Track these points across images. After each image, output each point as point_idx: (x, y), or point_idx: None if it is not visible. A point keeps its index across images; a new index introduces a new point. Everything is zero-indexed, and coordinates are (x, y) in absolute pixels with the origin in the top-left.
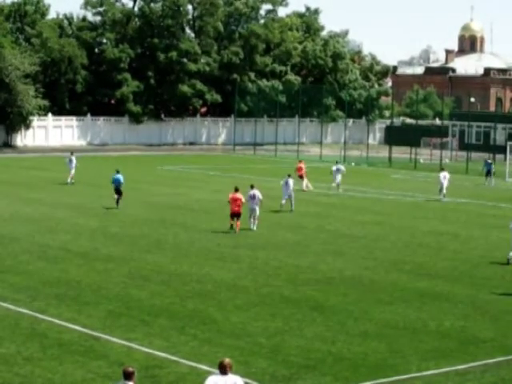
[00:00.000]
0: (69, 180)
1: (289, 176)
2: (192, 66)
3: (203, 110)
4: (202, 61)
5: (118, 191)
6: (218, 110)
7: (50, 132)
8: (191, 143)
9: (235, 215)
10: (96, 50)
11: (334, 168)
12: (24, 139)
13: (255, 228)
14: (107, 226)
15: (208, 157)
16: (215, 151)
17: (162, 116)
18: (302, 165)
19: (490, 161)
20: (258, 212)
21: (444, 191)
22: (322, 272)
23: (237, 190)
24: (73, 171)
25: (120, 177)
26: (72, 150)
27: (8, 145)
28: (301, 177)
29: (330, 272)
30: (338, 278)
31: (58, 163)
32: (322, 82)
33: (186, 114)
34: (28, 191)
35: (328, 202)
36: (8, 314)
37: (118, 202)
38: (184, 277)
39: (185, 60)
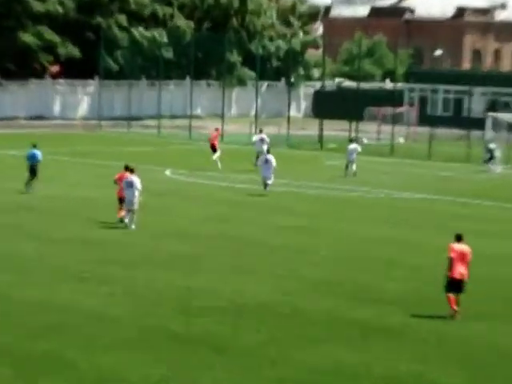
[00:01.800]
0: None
1: (268, 152)
2: (38, 6)
3: (55, 69)
4: None
5: (33, 171)
6: (76, 70)
7: None
8: (38, 117)
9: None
10: None
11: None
12: None
13: (133, 227)
14: None
15: (62, 136)
16: (73, 128)
17: None
18: (217, 134)
19: (492, 145)
20: (136, 205)
21: (353, 169)
22: (226, 297)
23: (130, 169)
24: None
25: (37, 152)
26: None
27: None
28: (213, 148)
29: (237, 297)
30: (248, 306)
31: None
32: (223, 30)
33: (29, 75)
34: None
35: (234, 198)
36: None
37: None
38: (32, 306)
39: None
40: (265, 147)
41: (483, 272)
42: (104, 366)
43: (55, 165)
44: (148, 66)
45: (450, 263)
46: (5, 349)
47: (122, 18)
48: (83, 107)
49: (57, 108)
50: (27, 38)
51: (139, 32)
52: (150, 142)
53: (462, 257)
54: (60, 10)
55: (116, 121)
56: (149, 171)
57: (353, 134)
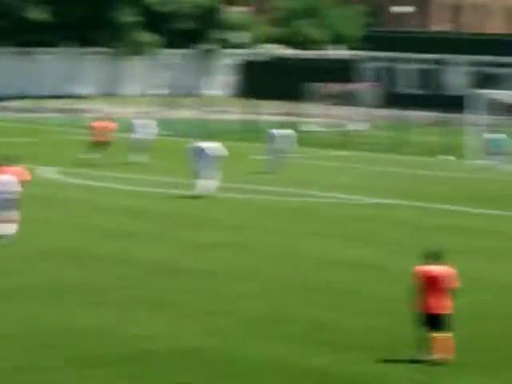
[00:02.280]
0: None
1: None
2: None
3: None
4: None
5: None
6: None
7: None
8: None
9: None
10: None
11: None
12: None
13: None
14: None
15: None
16: None
17: None
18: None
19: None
20: None
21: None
22: (133, 341)
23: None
24: None
25: None
26: None
27: None
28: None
29: (146, 341)
30: (162, 353)
31: None
32: None
33: None
34: None
35: (137, 206)
36: None
37: None
38: None
39: None
40: None
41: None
42: None
43: None
44: (14, 31)
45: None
46: None
47: None
48: None
49: None
50: None
51: None
52: (18, 130)
53: (436, 282)
54: None
55: None
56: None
57: (293, 119)
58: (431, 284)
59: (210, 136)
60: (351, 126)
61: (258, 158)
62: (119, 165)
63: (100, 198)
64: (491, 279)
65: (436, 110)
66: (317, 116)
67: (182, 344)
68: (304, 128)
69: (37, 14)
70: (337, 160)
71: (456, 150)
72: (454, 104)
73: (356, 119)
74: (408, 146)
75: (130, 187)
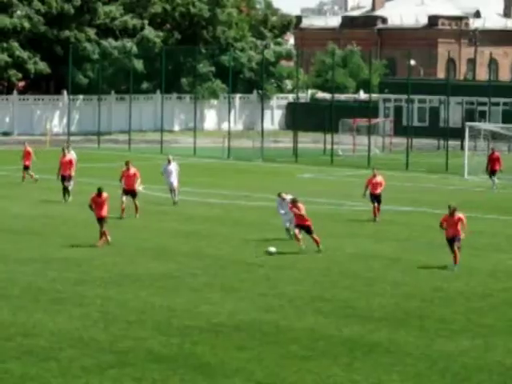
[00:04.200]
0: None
1: (169, 162)
2: (4, 21)
3: (22, 84)
4: (20, 12)
5: None
6: (45, 85)
7: None
8: (5, 133)
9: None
10: None
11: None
12: None
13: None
14: None
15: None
16: (40, 144)
17: None
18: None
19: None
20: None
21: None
22: (206, 316)
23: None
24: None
25: None
26: None
27: None
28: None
29: (216, 316)
30: (228, 325)
31: None
32: (194, 41)
33: None
34: None
35: (209, 214)
36: None
37: None
38: (4, 329)
39: None
40: None
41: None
42: None
43: (21, 182)
44: (118, 80)
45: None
46: None
47: (91, 31)
48: (51, 123)
49: (24, 123)
50: None
51: (109, 43)
52: (121, 157)
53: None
54: (27, 24)
55: (85, 136)
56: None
57: (328, 146)
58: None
59: (267, 160)
60: (373, 151)
61: (305, 176)
62: (193, 182)
63: (183, 208)
64: None
65: (437, 139)
66: (346, 144)
67: (244, 318)
68: (337, 153)
69: (136, 65)
70: (359, 177)
71: (456, 169)
72: (455, 133)
73: (375, 145)
74: (417, 165)
75: (207, 200)
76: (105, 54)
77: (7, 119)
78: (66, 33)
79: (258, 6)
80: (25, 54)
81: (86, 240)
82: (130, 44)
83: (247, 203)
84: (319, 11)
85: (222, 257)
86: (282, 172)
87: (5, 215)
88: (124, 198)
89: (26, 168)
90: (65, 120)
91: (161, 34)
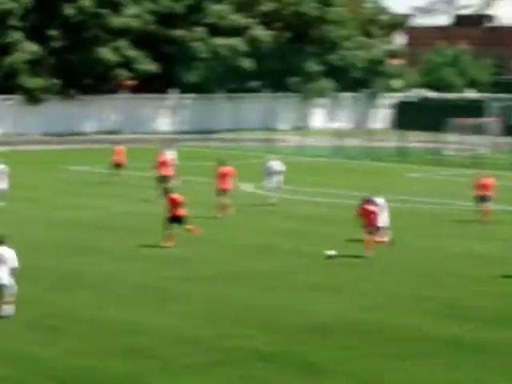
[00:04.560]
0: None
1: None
2: (115, 21)
3: (131, 83)
4: (130, 12)
5: None
6: (154, 84)
7: None
8: (113, 132)
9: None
10: None
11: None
12: None
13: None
14: None
15: (138, 151)
16: (149, 143)
17: (72, 93)
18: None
19: None
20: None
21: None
22: (310, 315)
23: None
24: (3, 184)
25: None
26: None
27: None
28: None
29: (321, 315)
30: (333, 324)
31: None
32: (303, 40)
33: (106, 90)
34: None
35: (315, 213)
36: None
37: None
38: (111, 326)
39: (104, 11)
40: None
41: None
42: None
43: (128, 181)
44: (226, 79)
45: None
46: (84, 371)
47: (200, 30)
48: (160, 122)
49: (132, 122)
50: (104, 53)
51: (218, 41)
52: (229, 155)
53: None
54: (137, 23)
55: (194, 134)
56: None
57: (436, 146)
58: None
59: (374, 159)
60: (479, 151)
61: (412, 175)
62: (300, 181)
63: (289, 207)
64: None
65: None
66: (453, 143)
67: (348, 317)
68: (444, 153)
69: (245, 64)
70: (466, 177)
71: None
72: None
73: (483, 145)
74: None
75: (314, 199)
76: (214, 52)
77: (117, 118)
78: (176, 32)
79: (366, 5)
80: (134, 54)
81: (191, 238)
82: (238, 43)
83: (354, 202)
84: (428, 10)
85: (324, 255)
86: (389, 171)
87: (109, 213)
88: (220, 197)
89: (118, 167)
90: (173, 119)
91: (270, 33)
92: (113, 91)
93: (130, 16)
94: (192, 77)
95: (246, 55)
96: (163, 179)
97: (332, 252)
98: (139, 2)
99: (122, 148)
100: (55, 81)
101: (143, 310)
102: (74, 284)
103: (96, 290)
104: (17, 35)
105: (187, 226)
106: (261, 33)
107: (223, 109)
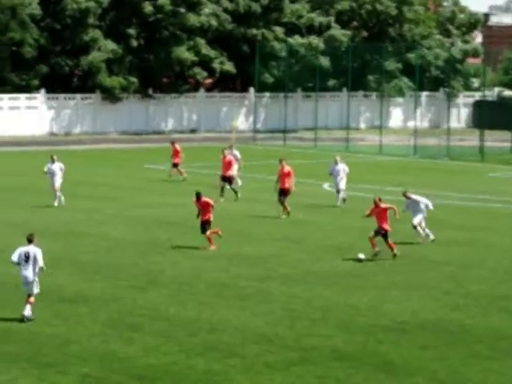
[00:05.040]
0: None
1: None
2: (192, 20)
3: (208, 82)
4: (207, 10)
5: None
6: (231, 82)
7: None
8: (192, 130)
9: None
10: None
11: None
12: None
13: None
14: (75, 252)
15: (216, 150)
16: (227, 142)
17: (150, 92)
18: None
19: None
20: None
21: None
22: (390, 315)
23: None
24: (57, 182)
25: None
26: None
27: None
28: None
29: (401, 314)
30: (413, 324)
31: None
32: (381, 39)
33: (184, 89)
34: None
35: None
36: None
37: None
38: (190, 324)
39: (182, 10)
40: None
41: None
42: None
43: (208, 180)
44: (304, 78)
45: None
46: (164, 369)
47: (278, 29)
48: (237, 120)
49: (210, 121)
50: (182, 52)
51: (295, 41)
52: (307, 154)
53: None
54: (215, 22)
55: (271, 133)
56: (305, 185)
57: None
58: None
59: (453, 158)
60: None
61: (494, 175)
62: (378, 180)
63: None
64: None
65: None
66: None
67: (428, 317)
68: None
69: (322, 62)
70: None
71: None
72: None
73: None
74: None
75: (392, 197)
76: (291, 51)
77: (194, 117)
78: (253, 31)
79: (445, 4)
80: (211, 53)
81: (266, 237)
82: (316, 41)
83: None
84: (507, 9)
85: (406, 255)
86: (468, 170)
87: (187, 211)
88: (281, 197)
89: (175, 166)
90: (251, 118)
91: (348, 32)
92: (189, 90)
93: (207, 15)
94: (269, 76)
95: (323, 54)
96: (227, 179)
97: (362, 256)
98: (217, 1)
99: (177, 147)
100: (133, 79)
101: (222, 308)
102: (154, 282)
103: (175, 287)
104: (95, 34)
105: (210, 231)
106: (338, 32)
107: (300, 108)
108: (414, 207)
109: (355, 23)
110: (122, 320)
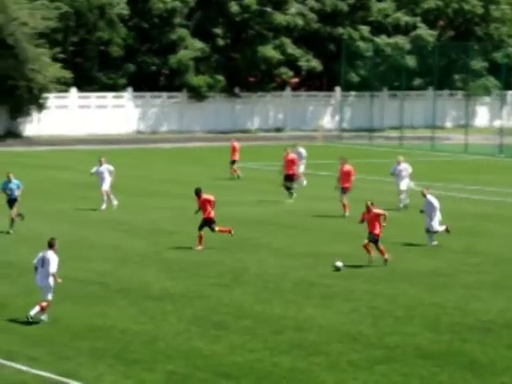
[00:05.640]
0: (104, 198)
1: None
2: (278, 18)
3: (295, 80)
4: (293, 10)
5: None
6: (316, 81)
7: (74, 115)
8: (278, 129)
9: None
10: None
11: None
12: (36, 125)
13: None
14: (160, 249)
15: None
16: (313, 140)
17: (236, 91)
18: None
19: None
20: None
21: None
22: (476, 314)
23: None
24: (106, 185)
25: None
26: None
27: (13, 134)
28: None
29: (487, 314)
30: (499, 323)
31: (85, 160)
32: (467, 38)
33: (270, 88)
34: (43, 201)
35: (479, 211)
36: (21, 379)
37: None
38: (276, 322)
39: (268, 9)
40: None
41: None
42: None
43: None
44: (390, 77)
45: None
46: (250, 367)
47: (364, 29)
48: (323, 119)
49: (296, 120)
50: (268, 51)
51: (382, 41)
52: (392, 153)
53: None
54: (301, 21)
55: (357, 132)
56: (389, 184)
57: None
58: None
59: None
60: None
61: None
62: (464, 179)
63: (452, 205)
64: None
65: None
66: None
67: None
68: None
69: (409, 62)
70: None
71: None
72: None
73: None
74: None
75: (477, 197)
76: (377, 50)
77: (280, 115)
78: (339, 30)
79: None
80: (297, 52)
81: (353, 235)
82: (402, 41)
83: None
84: None
85: (494, 254)
86: None
87: (272, 210)
88: (341, 195)
89: (233, 163)
90: (337, 117)
91: (434, 32)
92: (276, 89)
93: (293, 14)
94: (355, 75)
95: (409, 53)
96: (290, 178)
97: (339, 264)
98: (303, 1)
99: (236, 144)
100: (219, 78)
101: (307, 307)
102: (238, 279)
103: (260, 285)
104: (182, 33)
105: (217, 228)
106: (424, 32)
107: (387, 107)
108: (428, 208)
109: (441, 22)
110: (207, 317)
